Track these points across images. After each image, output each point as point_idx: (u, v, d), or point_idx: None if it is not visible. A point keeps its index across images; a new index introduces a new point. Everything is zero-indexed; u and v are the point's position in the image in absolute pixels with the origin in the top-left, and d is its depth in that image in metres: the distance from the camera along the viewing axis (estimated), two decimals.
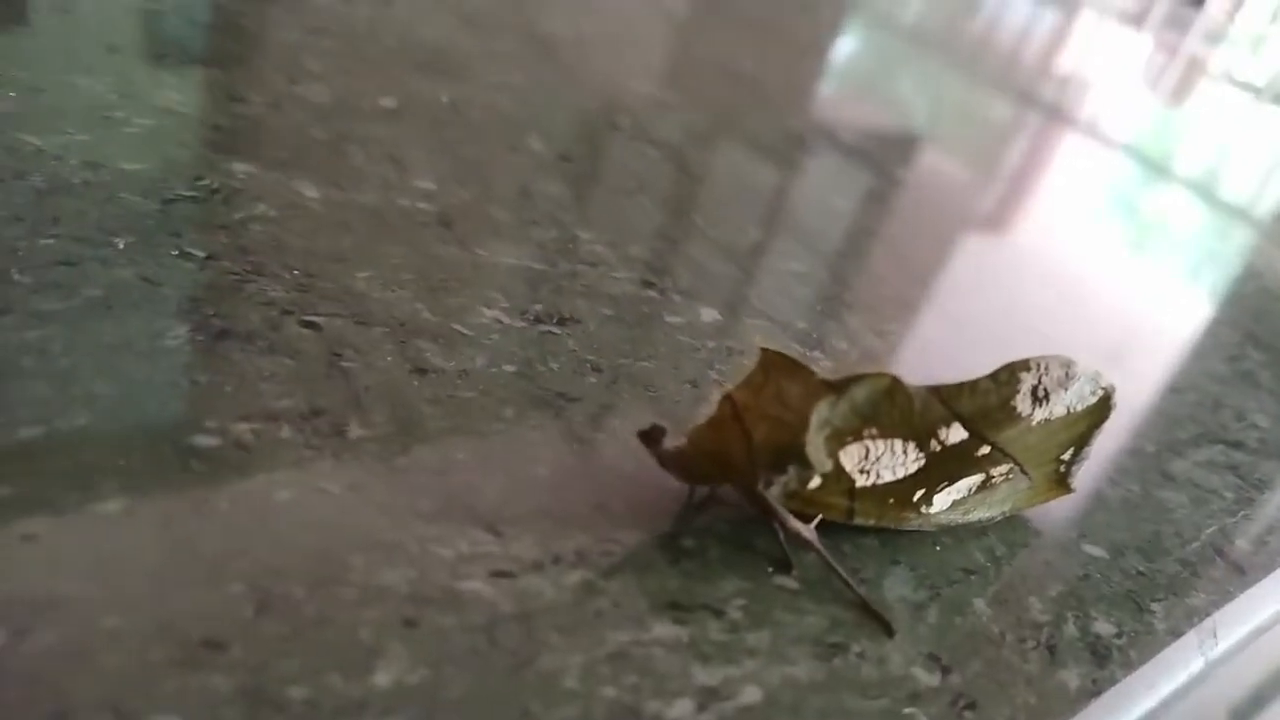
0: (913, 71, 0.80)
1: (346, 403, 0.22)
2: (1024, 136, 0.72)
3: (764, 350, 0.20)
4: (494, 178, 0.33)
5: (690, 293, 0.31)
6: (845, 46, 0.81)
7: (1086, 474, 0.27)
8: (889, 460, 0.21)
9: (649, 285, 0.30)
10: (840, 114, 0.59)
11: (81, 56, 0.32)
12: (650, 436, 0.20)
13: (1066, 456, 0.25)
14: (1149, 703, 0.22)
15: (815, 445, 0.20)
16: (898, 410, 0.21)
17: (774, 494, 0.20)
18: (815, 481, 0.21)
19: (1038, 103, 0.81)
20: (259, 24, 0.39)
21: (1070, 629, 0.23)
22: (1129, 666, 0.22)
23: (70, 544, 0.17)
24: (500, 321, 0.26)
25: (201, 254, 0.25)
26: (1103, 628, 0.23)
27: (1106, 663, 0.22)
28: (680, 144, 0.43)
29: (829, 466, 0.20)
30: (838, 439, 0.20)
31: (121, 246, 0.24)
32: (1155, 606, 0.24)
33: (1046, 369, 0.22)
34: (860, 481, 0.21)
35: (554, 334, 0.26)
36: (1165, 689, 0.23)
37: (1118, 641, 0.23)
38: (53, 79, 0.30)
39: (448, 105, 0.37)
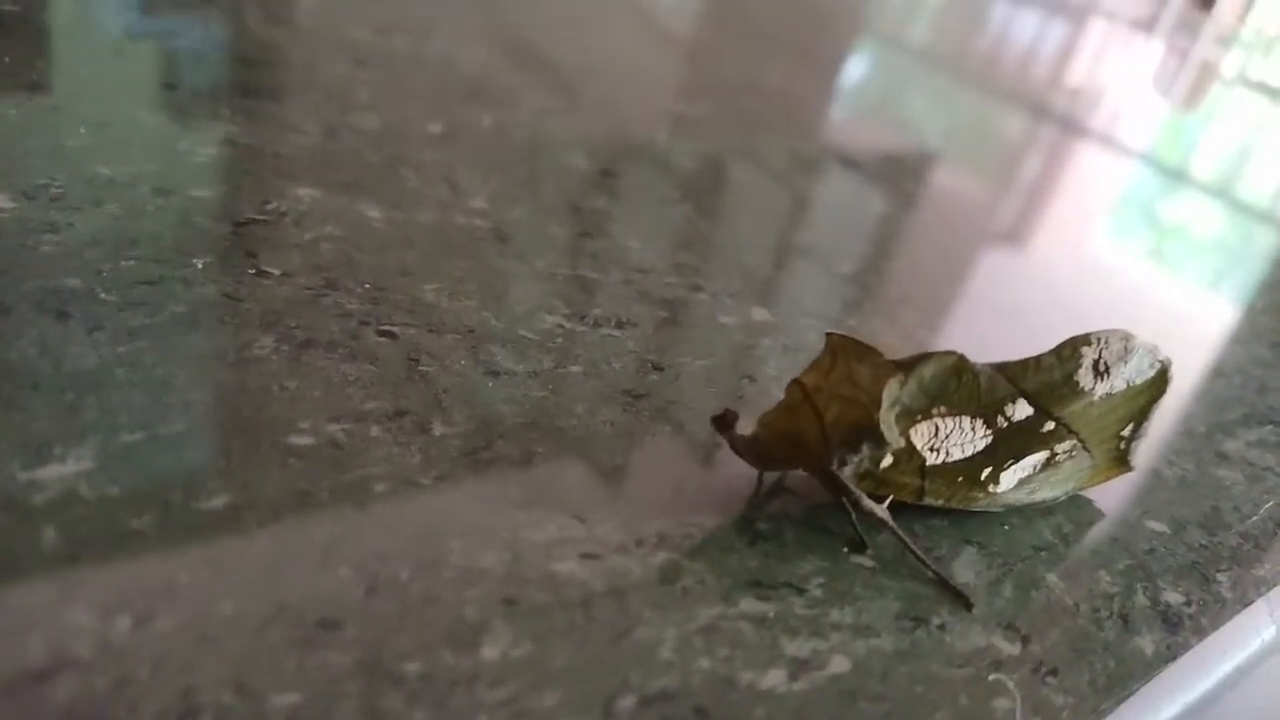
0: (928, 89, 0.81)
1: (428, 404, 0.22)
2: (1040, 149, 0.72)
3: (830, 335, 0.21)
4: (542, 195, 0.34)
5: (740, 296, 0.32)
6: (861, 66, 0.82)
7: (1142, 455, 0.27)
8: (958, 438, 0.22)
9: (699, 289, 0.31)
10: (869, 130, 0.60)
11: (141, 93, 0.33)
12: (724, 421, 0.21)
13: (1126, 433, 0.25)
14: (1225, 667, 0.23)
15: (888, 422, 0.20)
16: (965, 388, 0.21)
17: (847, 474, 0.21)
18: (888, 460, 0.21)
19: (1052, 115, 0.82)
20: (305, 59, 0.41)
21: (1141, 599, 0.23)
22: (1201, 633, 0.23)
23: (180, 537, 0.17)
24: (561, 326, 0.27)
25: (277, 271, 0.26)
26: (1172, 597, 0.23)
27: (1179, 629, 0.22)
28: (716, 157, 0.44)
29: (902, 443, 0.21)
30: (908, 417, 0.21)
31: (200, 266, 0.25)
32: (1221, 577, 0.25)
33: (1107, 343, 0.22)
34: (931, 459, 0.22)
35: (614, 337, 0.27)
36: (1239, 655, 0.23)
37: (1188, 610, 0.23)
38: (117, 114, 0.32)
39: (492, 129, 0.38)
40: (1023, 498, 0.24)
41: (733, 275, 0.33)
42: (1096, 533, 0.25)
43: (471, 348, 0.25)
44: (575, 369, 0.25)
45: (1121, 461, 0.26)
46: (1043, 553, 0.24)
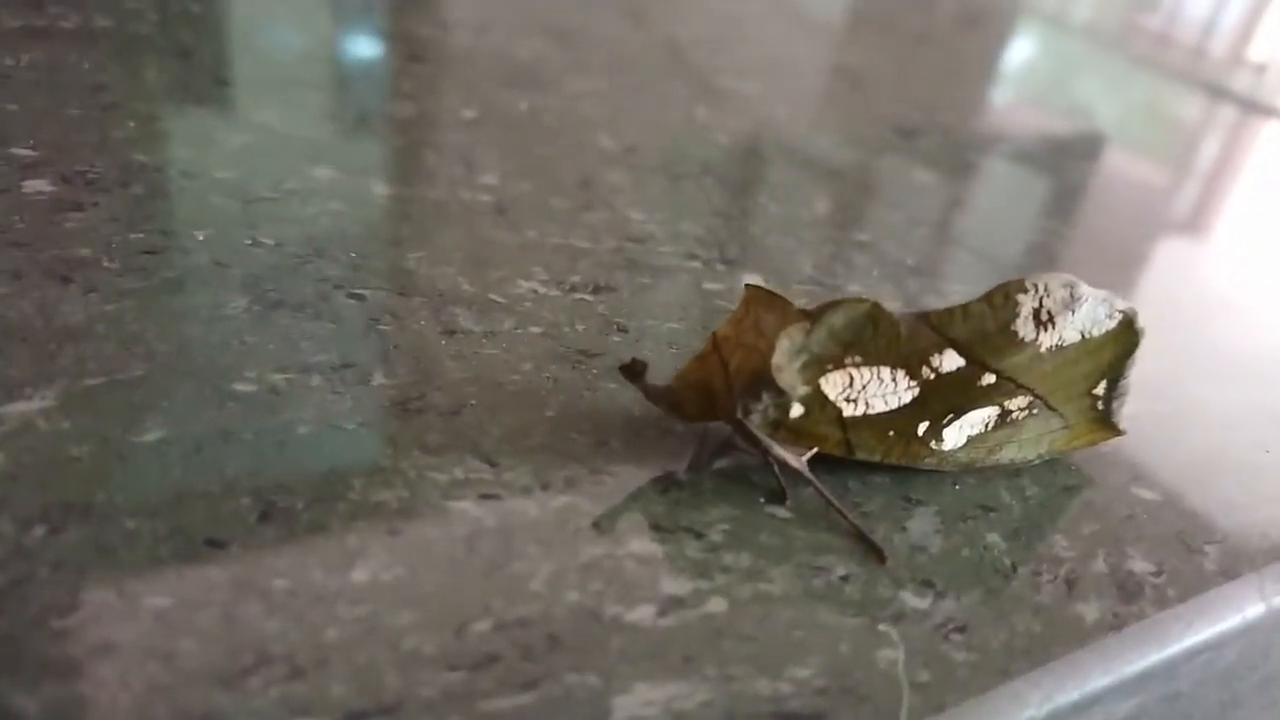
0: (1087, 69, 0.77)
1: (376, 358, 0.24)
2: (1218, 132, 0.68)
3: (748, 286, 0.21)
4: (557, 171, 0.35)
5: (736, 263, 0.32)
6: (1025, 47, 0.78)
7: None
8: (877, 388, 0.21)
9: (693, 258, 0.31)
10: (944, 99, 0.58)
11: (193, 89, 0.37)
12: (631, 369, 0.21)
13: (1099, 391, 0.24)
14: (1187, 642, 0.21)
15: (785, 369, 0.20)
16: (882, 337, 0.21)
17: (755, 422, 0.21)
18: (797, 410, 0.21)
19: (1232, 96, 0.76)
20: (359, 54, 0.43)
21: (1098, 565, 0.22)
22: (1164, 604, 0.21)
23: (108, 464, 0.19)
24: (535, 291, 0.28)
25: (271, 242, 0.28)
26: (1139, 566, 0.22)
27: (1136, 599, 0.21)
28: (756, 131, 0.44)
29: (800, 391, 0.20)
30: (818, 366, 0.21)
31: (201, 238, 0.27)
32: (1208, 548, 0.23)
33: (1047, 290, 0.21)
34: (848, 410, 0.21)
35: (586, 301, 0.28)
36: (1207, 631, 0.21)
37: (1154, 580, 0.22)
38: (167, 108, 0.35)
39: (525, 112, 0.39)
40: (981, 457, 0.23)
41: (733, 245, 0.33)
42: (1066, 497, 0.24)
43: (436, 310, 0.26)
44: (535, 330, 0.26)
45: (1104, 423, 0.24)
46: (992, 513, 0.23)
